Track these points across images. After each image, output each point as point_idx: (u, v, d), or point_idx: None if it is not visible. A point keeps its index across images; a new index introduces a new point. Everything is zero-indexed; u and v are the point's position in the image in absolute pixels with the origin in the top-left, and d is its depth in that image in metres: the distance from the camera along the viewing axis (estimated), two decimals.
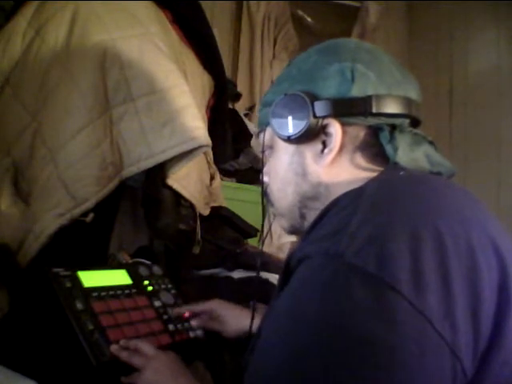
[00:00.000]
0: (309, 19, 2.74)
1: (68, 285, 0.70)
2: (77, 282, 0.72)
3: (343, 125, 0.53)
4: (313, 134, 0.54)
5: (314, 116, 0.53)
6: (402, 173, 0.49)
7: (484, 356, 0.38)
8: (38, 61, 0.88)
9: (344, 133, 0.53)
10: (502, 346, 0.38)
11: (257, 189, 1.77)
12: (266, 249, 1.64)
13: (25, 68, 0.90)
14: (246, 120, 1.92)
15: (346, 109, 0.53)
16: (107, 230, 1.01)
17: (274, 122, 0.57)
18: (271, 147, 0.61)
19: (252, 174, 1.79)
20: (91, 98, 0.85)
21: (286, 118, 0.55)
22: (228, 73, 2.19)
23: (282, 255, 1.81)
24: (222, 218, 1.21)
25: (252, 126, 1.98)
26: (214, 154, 1.14)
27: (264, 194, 0.64)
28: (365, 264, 0.37)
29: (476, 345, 0.38)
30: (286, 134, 0.55)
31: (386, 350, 0.35)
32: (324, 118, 0.53)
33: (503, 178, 2.03)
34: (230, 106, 1.84)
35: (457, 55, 2.39)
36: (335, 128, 0.53)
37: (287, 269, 0.47)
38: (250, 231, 1.30)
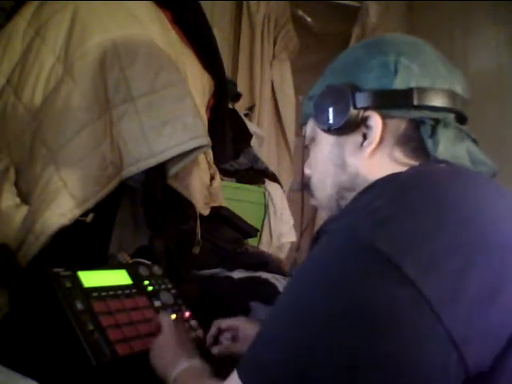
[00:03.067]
0: (309, 19, 2.73)
1: (68, 285, 0.70)
2: (77, 281, 0.72)
3: (384, 117, 0.53)
4: (353, 126, 0.54)
5: (355, 107, 0.53)
6: (442, 165, 0.50)
7: (503, 351, 0.38)
8: (38, 61, 0.88)
9: (384, 125, 0.53)
10: None
11: (257, 189, 1.77)
12: (265, 249, 1.64)
13: (25, 68, 0.90)
14: (246, 120, 1.92)
15: (388, 101, 0.53)
16: (107, 229, 1.01)
17: (316, 113, 0.57)
18: (313, 139, 0.62)
19: (252, 174, 1.79)
20: (91, 97, 0.85)
21: (328, 109, 0.56)
22: (228, 73, 2.19)
23: (282, 255, 1.81)
24: (222, 217, 1.21)
25: (252, 126, 1.98)
26: (214, 154, 1.14)
27: (303, 187, 0.66)
28: (375, 241, 0.38)
29: (485, 339, 0.37)
30: (327, 125, 0.56)
31: (378, 323, 0.36)
32: (365, 109, 0.53)
33: (504, 177, 2.03)
34: (230, 106, 1.84)
35: (457, 55, 2.39)
36: (375, 120, 0.53)
37: (314, 241, 0.48)
38: (250, 231, 1.30)
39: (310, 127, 0.62)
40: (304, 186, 0.65)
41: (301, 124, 0.66)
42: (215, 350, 0.75)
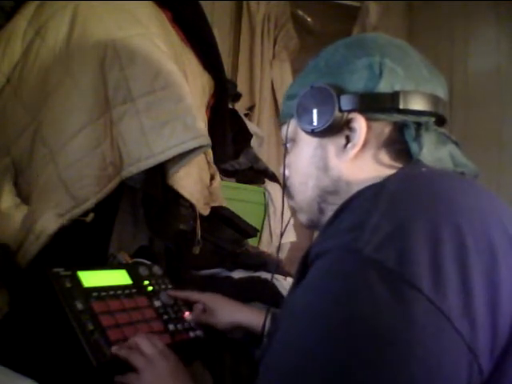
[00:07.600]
0: (309, 19, 2.74)
1: (68, 285, 0.70)
2: (77, 282, 0.72)
3: (368, 120, 0.53)
4: (337, 128, 0.54)
5: (340, 110, 0.52)
6: (424, 169, 0.49)
7: (502, 354, 0.38)
8: (38, 61, 0.88)
9: (369, 128, 0.53)
10: None
11: (257, 189, 1.77)
12: (265, 249, 1.64)
13: (25, 68, 0.90)
14: (246, 120, 1.92)
15: (373, 104, 0.52)
16: (107, 229, 1.01)
17: (299, 114, 0.56)
18: (294, 140, 0.61)
19: (252, 174, 1.79)
20: (91, 98, 0.85)
21: (311, 110, 0.54)
22: (228, 73, 2.19)
23: (282, 255, 1.81)
24: (222, 217, 1.21)
25: (252, 126, 1.98)
26: (214, 154, 1.14)
27: (284, 188, 0.64)
28: (385, 260, 0.37)
29: (494, 342, 0.37)
30: (310, 127, 0.55)
31: (403, 347, 0.35)
32: (349, 112, 0.53)
33: (504, 178, 2.03)
34: (230, 105, 1.84)
35: (457, 55, 2.39)
36: (360, 123, 0.52)
37: (304, 263, 0.47)
38: (250, 231, 1.30)
39: (292, 127, 0.60)
40: (285, 187, 0.64)
41: (280, 124, 0.64)
42: (188, 317, 0.81)
